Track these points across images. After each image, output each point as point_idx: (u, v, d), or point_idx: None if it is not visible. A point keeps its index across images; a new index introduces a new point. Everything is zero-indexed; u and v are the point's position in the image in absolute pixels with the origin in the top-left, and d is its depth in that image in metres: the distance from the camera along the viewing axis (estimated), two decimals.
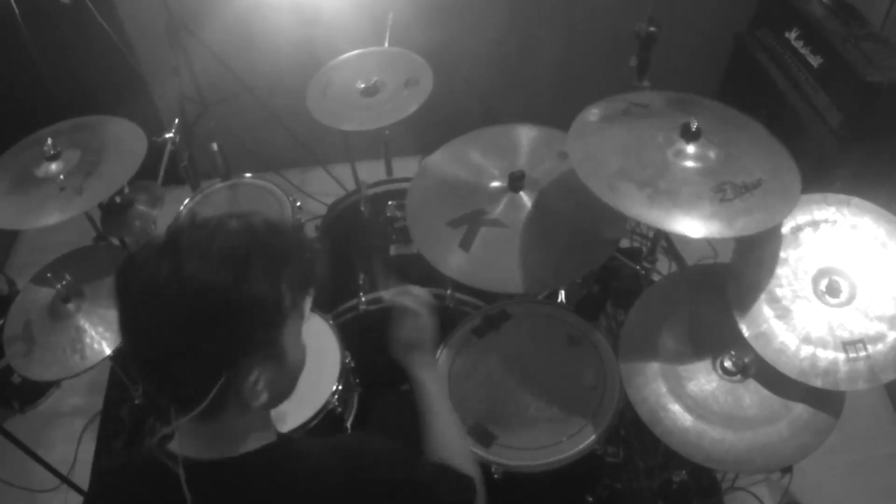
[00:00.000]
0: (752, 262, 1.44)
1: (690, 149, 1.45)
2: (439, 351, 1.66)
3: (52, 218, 1.71)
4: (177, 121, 2.21)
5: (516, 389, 1.59)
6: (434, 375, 1.28)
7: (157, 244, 0.83)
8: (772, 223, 1.35)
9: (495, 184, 1.69)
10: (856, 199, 1.47)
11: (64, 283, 1.72)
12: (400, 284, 1.31)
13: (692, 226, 1.32)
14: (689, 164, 1.43)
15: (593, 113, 1.57)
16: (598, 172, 1.41)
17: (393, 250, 1.77)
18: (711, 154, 1.45)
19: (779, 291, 1.41)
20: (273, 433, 0.96)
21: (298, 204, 2.07)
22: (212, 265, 0.80)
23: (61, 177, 1.79)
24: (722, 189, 1.37)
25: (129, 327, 0.84)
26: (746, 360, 1.45)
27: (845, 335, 1.34)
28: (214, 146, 2.10)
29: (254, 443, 0.91)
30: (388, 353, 1.30)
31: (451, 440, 1.19)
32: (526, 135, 1.80)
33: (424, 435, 1.19)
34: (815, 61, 2.40)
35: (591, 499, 1.75)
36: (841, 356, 1.33)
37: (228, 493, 0.89)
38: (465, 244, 1.55)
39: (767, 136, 1.53)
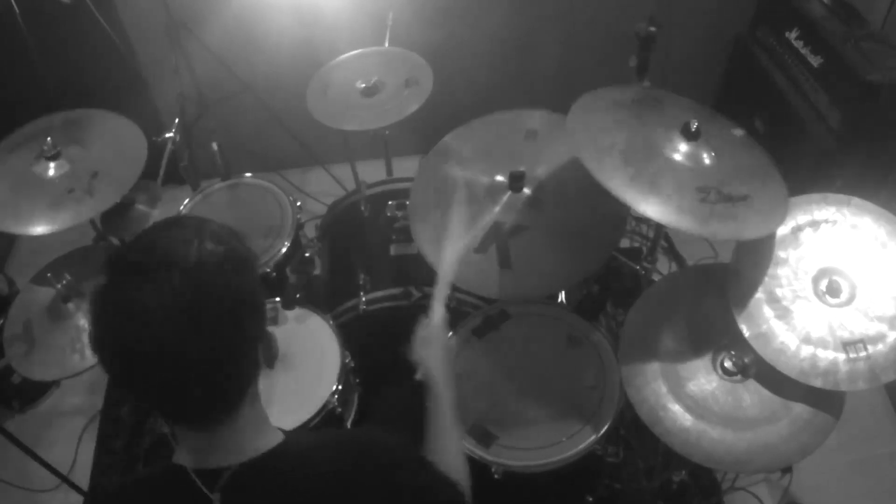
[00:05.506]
0: (751, 262, 1.44)
1: (686, 147, 1.45)
2: None
3: (64, 222, 1.69)
4: (177, 121, 2.21)
5: (516, 389, 1.59)
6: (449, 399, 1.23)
7: (123, 271, 0.78)
8: (742, 236, 1.36)
9: (494, 182, 1.68)
10: (856, 199, 1.47)
11: (64, 283, 1.72)
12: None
13: (663, 211, 1.32)
14: (682, 161, 1.44)
15: (607, 94, 1.57)
16: (590, 144, 1.41)
17: (393, 250, 1.76)
18: (706, 159, 1.45)
19: (779, 291, 1.41)
20: (278, 433, 0.95)
21: (298, 204, 2.07)
22: (198, 241, 0.80)
23: (64, 177, 1.77)
24: (706, 191, 1.37)
25: (151, 355, 0.76)
26: (746, 360, 1.45)
27: (845, 335, 1.34)
28: (214, 146, 2.10)
29: (263, 443, 0.90)
30: (388, 352, 1.28)
31: (453, 459, 1.15)
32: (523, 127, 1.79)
33: (428, 443, 1.16)
34: (815, 61, 2.40)
35: (591, 499, 1.75)
36: (841, 356, 1.33)
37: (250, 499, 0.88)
38: (504, 262, 1.53)
39: (768, 160, 1.53)
